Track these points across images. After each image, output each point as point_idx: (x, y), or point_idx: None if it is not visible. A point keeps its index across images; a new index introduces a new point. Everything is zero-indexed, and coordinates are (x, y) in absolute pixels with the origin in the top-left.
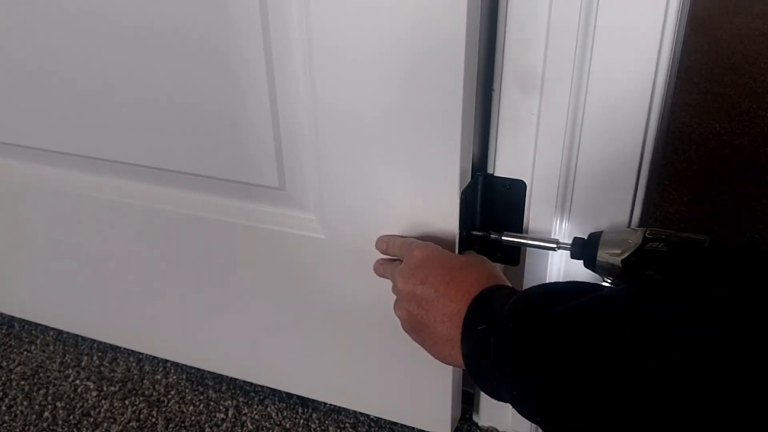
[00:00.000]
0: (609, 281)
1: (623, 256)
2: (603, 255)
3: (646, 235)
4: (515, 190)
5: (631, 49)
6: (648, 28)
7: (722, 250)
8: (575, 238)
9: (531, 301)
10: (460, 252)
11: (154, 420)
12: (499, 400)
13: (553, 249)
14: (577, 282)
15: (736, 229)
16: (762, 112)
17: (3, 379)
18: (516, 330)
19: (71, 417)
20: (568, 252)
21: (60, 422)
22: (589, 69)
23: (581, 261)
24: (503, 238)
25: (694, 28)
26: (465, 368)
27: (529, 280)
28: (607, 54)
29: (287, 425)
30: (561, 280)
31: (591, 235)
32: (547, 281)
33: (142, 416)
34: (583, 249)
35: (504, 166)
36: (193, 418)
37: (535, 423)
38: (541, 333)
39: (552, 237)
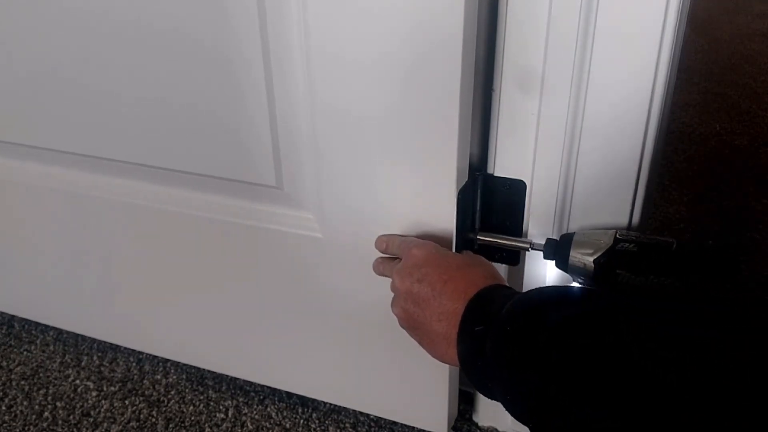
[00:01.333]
0: (580, 281)
1: (595, 256)
2: (575, 255)
3: (617, 236)
4: (515, 190)
5: (631, 49)
6: (648, 28)
7: (690, 253)
8: (548, 239)
9: (529, 304)
10: (457, 251)
11: (154, 420)
12: (492, 399)
13: (526, 249)
14: (577, 286)
15: (736, 229)
16: (762, 112)
17: (3, 379)
18: (513, 333)
19: (71, 417)
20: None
21: (60, 422)
22: (589, 69)
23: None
24: (478, 237)
25: (694, 28)
26: (460, 367)
27: (529, 281)
28: (607, 54)
29: (287, 425)
30: (560, 283)
31: (563, 236)
32: (546, 282)
33: (142, 416)
34: (556, 249)
35: (504, 166)
36: (193, 418)
37: (528, 425)
38: (538, 335)
39: (526, 238)
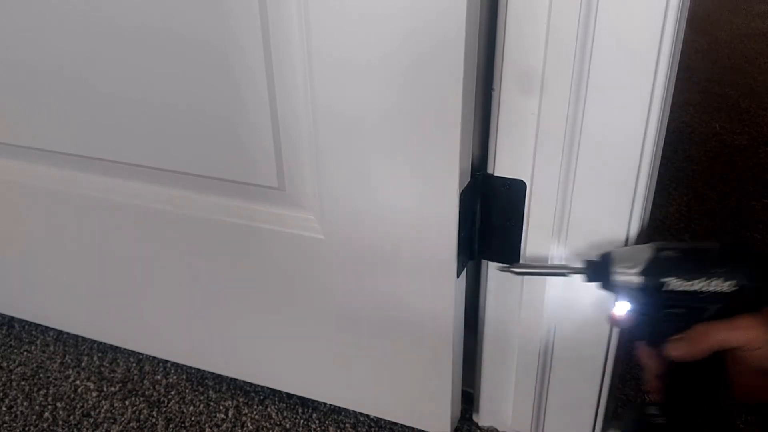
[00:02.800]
0: (626, 297)
1: (639, 268)
2: (619, 272)
3: (657, 247)
4: (515, 190)
5: (630, 49)
6: (648, 28)
7: (735, 254)
8: (586, 261)
9: None
10: (458, 252)
11: (154, 420)
12: None
13: (562, 275)
14: None
15: (736, 229)
16: (762, 112)
17: (3, 379)
18: None
19: (71, 417)
20: (581, 275)
21: (60, 422)
22: (588, 69)
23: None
24: (513, 269)
25: (694, 28)
26: None
27: (529, 280)
28: (607, 54)
29: (287, 425)
30: (563, 287)
31: (601, 256)
32: (548, 283)
33: (142, 416)
34: (596, 270)
35: (504, 166)
36: (193, 418)
37: None
38: None
39: (560, 263)
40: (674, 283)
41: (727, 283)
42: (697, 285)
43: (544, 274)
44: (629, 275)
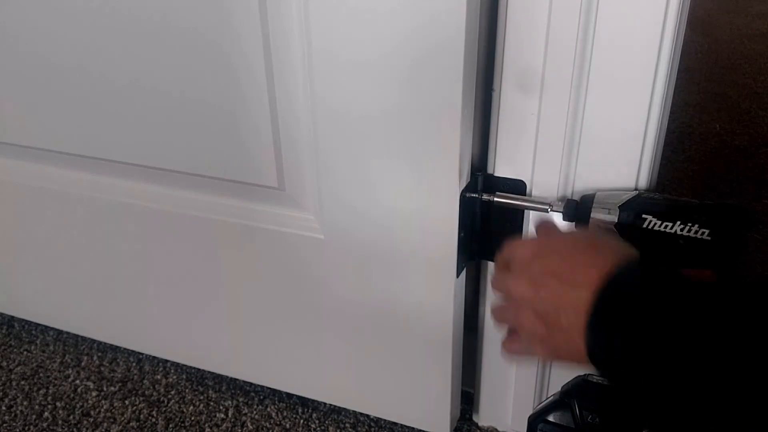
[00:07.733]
0: None
1: (620, 202)
2: (597, 209)
3: (640, 191)
4: (515, 190)
5: (631, 50)
6: (648, 28)
7: (713, 207)
8: (568, 200)
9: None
10: (459, 253)
11: (154, 420)
12: None
13: (545, 210)
14: None
15: None
16: (762, 112)
17: (3, 379)
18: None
19: (71, 417)
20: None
21: (60, 422)
22: (589, 68)
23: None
24: (495, 199)
25: (694, 29)
26: None
27: None
28: (607, 54)
29: (287, 425)
30: None
31: (584, 196)
32: None
33: (142, 416)
34: (577, 209)
35: (504, 165)
36: (193, 418)
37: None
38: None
39: (546, 199)
40: (653, 222)
41: (706, 231)
42: (677, 227)
43: (525, 208)
44: (607, 211)
